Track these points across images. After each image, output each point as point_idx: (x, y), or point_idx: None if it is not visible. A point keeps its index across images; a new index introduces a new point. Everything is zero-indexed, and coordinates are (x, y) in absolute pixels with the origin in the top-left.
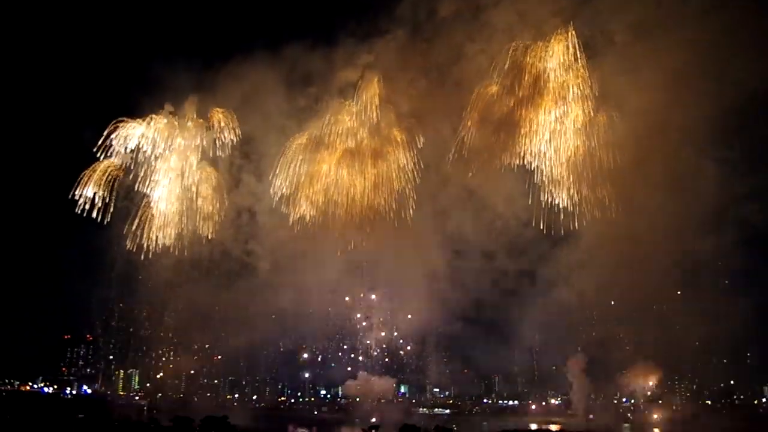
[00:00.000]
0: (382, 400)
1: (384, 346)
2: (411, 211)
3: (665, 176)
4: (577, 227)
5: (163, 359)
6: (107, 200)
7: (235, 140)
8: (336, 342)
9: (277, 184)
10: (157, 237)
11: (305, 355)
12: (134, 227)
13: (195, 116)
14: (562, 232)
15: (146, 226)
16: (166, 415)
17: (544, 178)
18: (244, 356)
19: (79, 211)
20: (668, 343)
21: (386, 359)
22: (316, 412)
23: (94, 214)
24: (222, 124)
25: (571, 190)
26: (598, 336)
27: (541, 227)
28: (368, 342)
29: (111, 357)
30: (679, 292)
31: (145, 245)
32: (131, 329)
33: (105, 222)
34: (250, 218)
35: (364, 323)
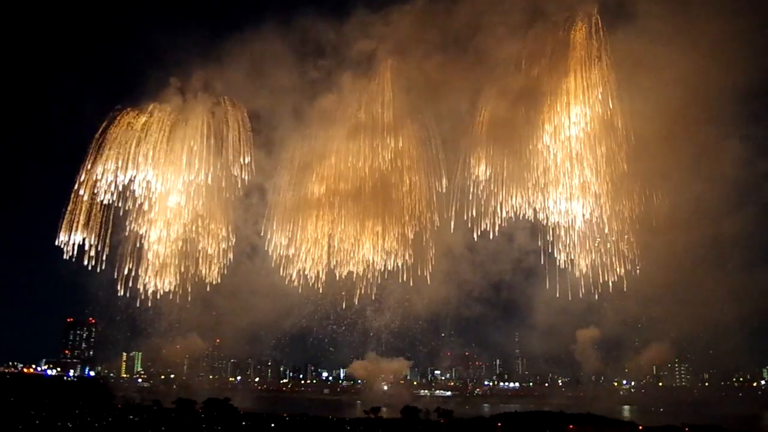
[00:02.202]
0: (384, 384)
1: (393, 327)
2: (430, 265)
3: (689, 154)
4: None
5: (166, 342)
6: (99, 247)
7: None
8: (341, 324)
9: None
10: (155, 284)
11: (308, 338)
12: (127, 271)
13: (201, 92)
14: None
15: (142, 270)
16: (169, 397)
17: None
18: (246, 339)
19: (67, 257)
20: (674, 325)
21: (395, 341)
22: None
23: (85, 261)
24: (230, 110)
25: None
26: (608, 318)
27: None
28: (376, 325)
29: (114, 340)
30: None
31: (141, 291)
32: (134, 312)
33: (98, 270)
34: (260, 197)
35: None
